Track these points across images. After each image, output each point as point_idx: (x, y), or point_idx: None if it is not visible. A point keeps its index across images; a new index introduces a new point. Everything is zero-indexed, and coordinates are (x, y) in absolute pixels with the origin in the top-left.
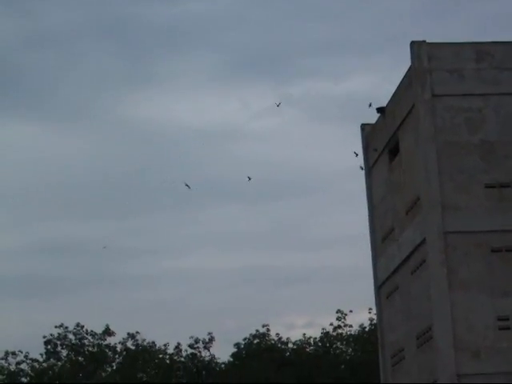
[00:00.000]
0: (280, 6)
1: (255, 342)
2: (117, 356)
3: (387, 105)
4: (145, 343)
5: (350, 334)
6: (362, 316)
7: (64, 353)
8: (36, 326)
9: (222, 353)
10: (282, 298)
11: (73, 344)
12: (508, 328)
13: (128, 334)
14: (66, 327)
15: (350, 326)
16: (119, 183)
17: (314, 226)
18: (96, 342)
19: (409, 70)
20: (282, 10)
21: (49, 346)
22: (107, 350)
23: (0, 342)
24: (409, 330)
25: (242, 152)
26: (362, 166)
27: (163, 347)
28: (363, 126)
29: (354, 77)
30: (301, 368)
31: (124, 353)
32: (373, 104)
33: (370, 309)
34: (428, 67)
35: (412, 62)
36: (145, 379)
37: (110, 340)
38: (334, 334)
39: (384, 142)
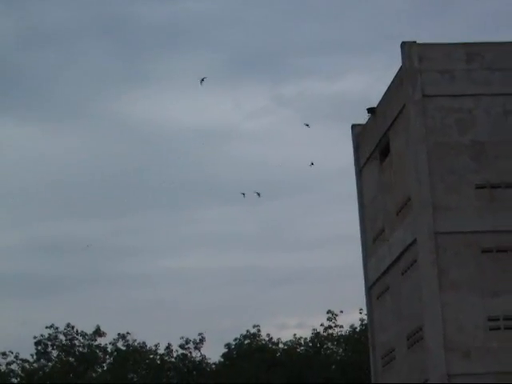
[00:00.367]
0: (275, 6)
1: (246, 342)
2: (107, 356)
3: (378, 105)
4: (135, 344)
5: (341, 335)
6: (352, 316)
7: (54, 353)
8: (27, 326)
9: (213, 353)
10: (273, 299)
11: (63, 345)
12: (498, 328)
13: (118, 334)
14: (57, 328)
15: (341, 326)
16: (116, 182)
17: (306, 227)
18: (86, 342)
19: (399, 70)
20: (278, 10)
21: (39, 347)
22: (98, 351)
23: None
24: (399, 331)
25: (236, 152)
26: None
27: (154, 348)
28: (354, 127)
29: (349, 77)
30: (291, 368)
31: (115, 353)
32: (365, 104)
33: (361, 309)
34: (419, 68)
35: (403, 62)
36: (135, 380)
37: (101, 341)
38: (325, 334)
39: (375, 143)
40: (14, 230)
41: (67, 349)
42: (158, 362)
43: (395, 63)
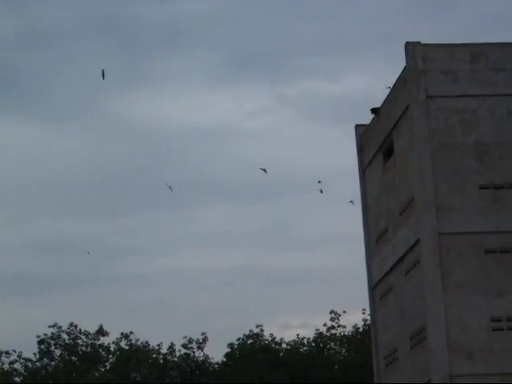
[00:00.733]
0: (275, 5)
1: (249, 342)
2: (110, 356)
3: (381, 105)
4: (138, 343)
5: (344, 335)
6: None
7: (57, 352)
8: (30, 325)
9: (216, 353)
10: (276, 299)
11: (66, 344)
12: (501, 329)
13: (121, 333)
14: (60, 327)
15: (344, 326)
16: (116, 182)
17: (309, 226)
18: (89, 341)
19: (403, 70)
20: (278, 9)
21: (42, 346)
22: (101, 350)
23: None
24: (402, 331)
25: (236, 151)
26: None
27: (157, 347)
28: (357, 127)
29: (350, 76)
30: (294, 368)
31: (117, 352)
32: (367, 104)
33: (364, 309)
34: (422, 68)
35: (407, 62)
36: (138, 379)
37: (104, 340)
38: (328, 334)
39: (378, 143)
40: (14, 229)
41: (70, 348)
42: (161, 361)
43: (396, 62)
